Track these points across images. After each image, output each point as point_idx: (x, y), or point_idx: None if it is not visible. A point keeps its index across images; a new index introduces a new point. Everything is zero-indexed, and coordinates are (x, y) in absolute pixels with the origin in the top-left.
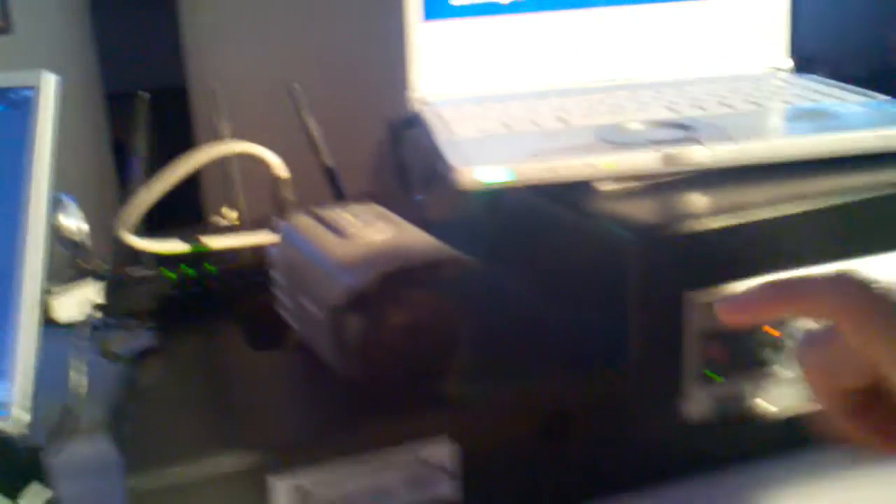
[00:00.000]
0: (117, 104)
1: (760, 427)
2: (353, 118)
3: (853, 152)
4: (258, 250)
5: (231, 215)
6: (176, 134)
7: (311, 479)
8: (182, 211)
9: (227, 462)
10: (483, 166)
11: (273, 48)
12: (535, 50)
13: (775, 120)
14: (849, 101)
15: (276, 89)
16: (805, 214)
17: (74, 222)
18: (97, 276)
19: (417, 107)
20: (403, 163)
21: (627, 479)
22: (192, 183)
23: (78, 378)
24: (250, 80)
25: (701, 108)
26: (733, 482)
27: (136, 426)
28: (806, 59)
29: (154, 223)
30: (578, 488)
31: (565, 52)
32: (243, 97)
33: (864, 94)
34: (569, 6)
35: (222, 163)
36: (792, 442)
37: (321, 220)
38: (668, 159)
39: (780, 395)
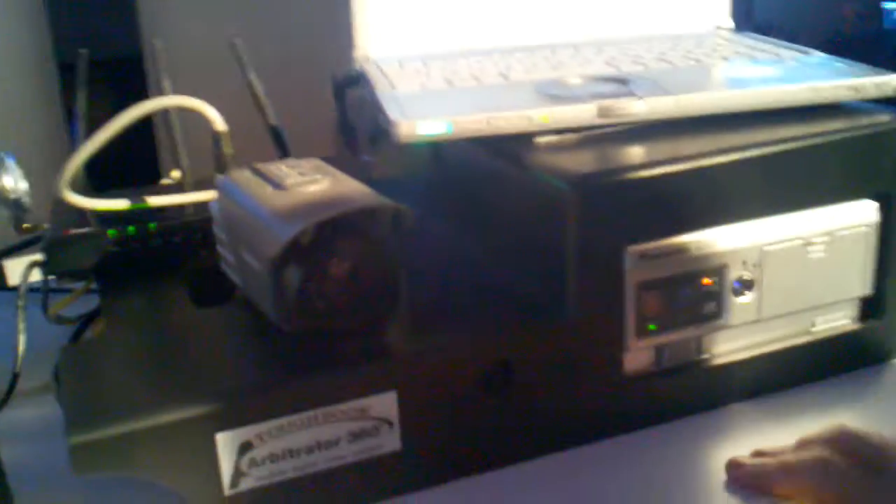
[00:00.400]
0: (70, 70)
1: (700, 376)
2: (307, 78)
3: (786, 105)
4: (203, 208)
5: (176, 174)
6: (133, 99)
7: (254, 432)
8: (140, 173)
9: (170, 416)
10: (422, 120)
11: (223, 9)
12: (481, 9)
13: (711, 74)
14: (784, 57)
15: (227, 49)
16: (739, 164)
17: (12, 180)
18: (38, 236)
19: (362, 64)
20: (349, 121)
21: (569, 430)
22: (148, 145)
23: (21, 341)
24: (200, 41)
25: (641, 64)
26: (676, 433)
27: (79, 386)
28: (764, 27)
29: (113, 184)
30: (521, 440)
31: (512, 11)
32: (194, 58)
33: (800, 51)
34: None
35: (169, 122)
36: (732, 390)
37: (260, 174)
38: (604, 112)
39: (718, 344)
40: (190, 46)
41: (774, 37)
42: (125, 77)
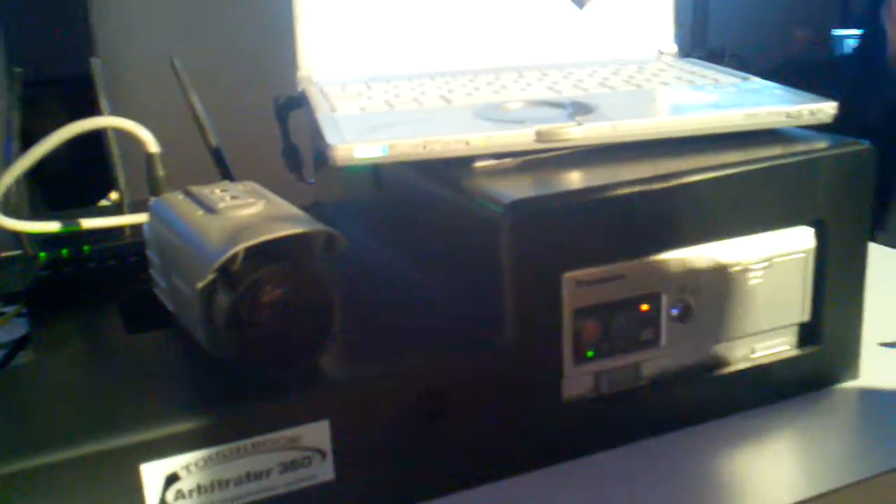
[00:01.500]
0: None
1: (639, 403)
2: (254, 100)
3: (722, 130)
4: (139, 231)
5: (114, 195)
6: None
7: (180, 463)
8: (97, 192)
9: (93, 447)
10: (359, 143)
11: (172, 29)
12: (428, 32)
13: (650, 100)
14: (723, 82)
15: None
16: (676, 190)
17: None
18: None
19: (305, 85)
20: (292, 143)
21: (508, 458)
22: (102, 165)
23: None
24: (152, 60)
25: (582, 89)
26: (615, 460)
27: (3, 414)
28: (717, 52)
29: (68, 204)
30: (457, 469)
31: (459, 34)
32: (144, 78)
33: (740, 77)
34: None
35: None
36: (672, 417)
37: (192, 197)
38: (542, 137)
39: (657, 371)
40: (140, 66)
41: (728, 62)
42: (77, 95)
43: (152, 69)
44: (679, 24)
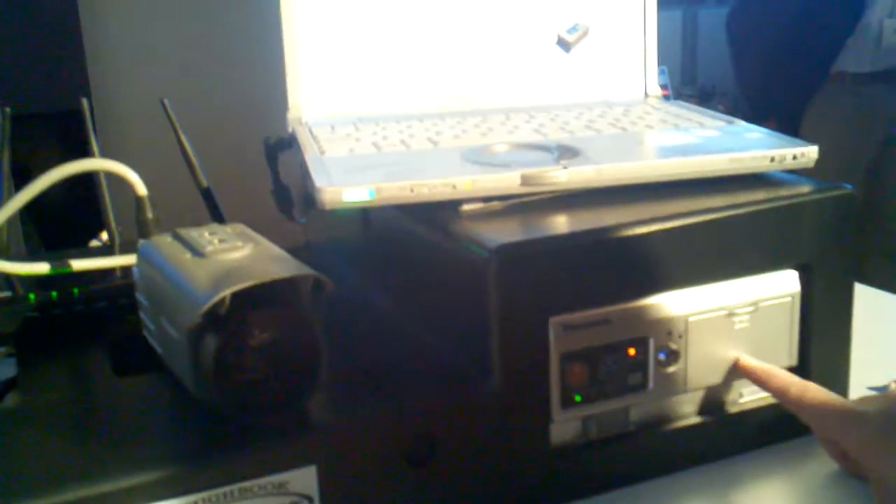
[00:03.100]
0: (18, 127)
1: (628, 448)
2: (246, 141)
3: (706, 175)
4: (130, 272)
5: (105, 237)
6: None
7: None
8: (86, 233)
9: (77, 493)
10: (346, 186)
11: (171, 73)
12: (417, 73)
13: (635, 143)
14: (707, 126)
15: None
16: (661, 234)
17: None
18: None
19: (294, 126)
20: (282, 184)
21: (495, 503)
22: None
23: None
24: (141, 100)
25: (568, 131)
26: None
27: None
28: (708, 90)
29: (64, 243)
30: None
31: (448, 76)
32: (136, 118)
33: (725, 120)
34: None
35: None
36: (660, 462)
37: (180, 240)
38: (527, 180)
39: (645, 415)
40: (133, 103)
41: (717, 100)
42: (71, 130)
43: (145, 107)
44: (668, 63)
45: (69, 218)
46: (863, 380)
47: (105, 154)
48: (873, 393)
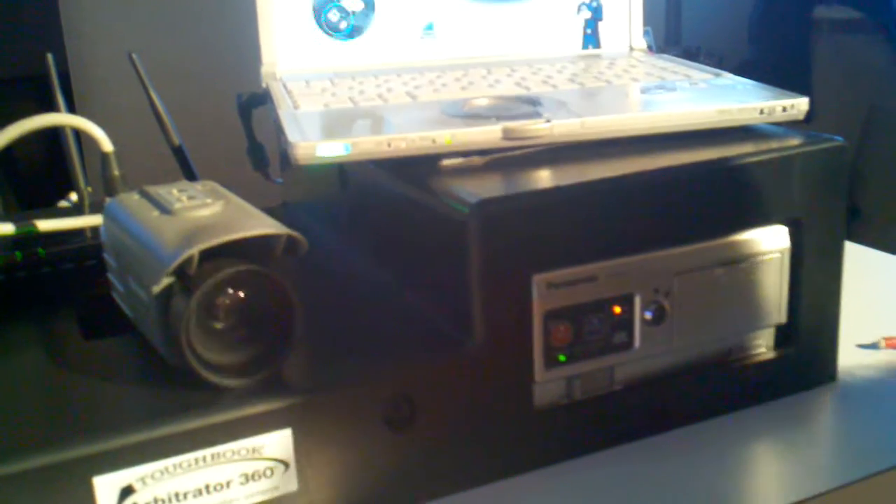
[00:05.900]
0: None
1: (613, 408)
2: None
3: (693, 127)
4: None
5: (73, 196)
6: None
7: (135, 475)
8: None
9: (43, 459)
10: (320, 141)
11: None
12: (393, 26)
13: (620, 96)
14: (695, 78)
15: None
16: (647, 189)
17: None
18: None
19: (268, 82)
20: (256, 142)
21: (478, 467)
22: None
23: None
24: (115, 58)
25: (551, 85)
26: (589, 467)
27: None
28: (692, 51)
29: (33, 205)
30: (425, 479)
31: (427, 29)
32: (112, 77)
33: (711, 72)
34: None
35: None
36: (646, 422)
37: (148, 197)
38: (509, 133)
39: (631, 374)
40: (108, 62)
41: (703, 60)
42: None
43: (119, 65)
44: (651, 24)
45: (40, 178)
46: (853, 338)
47: (81, 114)
48: (862, 351)
